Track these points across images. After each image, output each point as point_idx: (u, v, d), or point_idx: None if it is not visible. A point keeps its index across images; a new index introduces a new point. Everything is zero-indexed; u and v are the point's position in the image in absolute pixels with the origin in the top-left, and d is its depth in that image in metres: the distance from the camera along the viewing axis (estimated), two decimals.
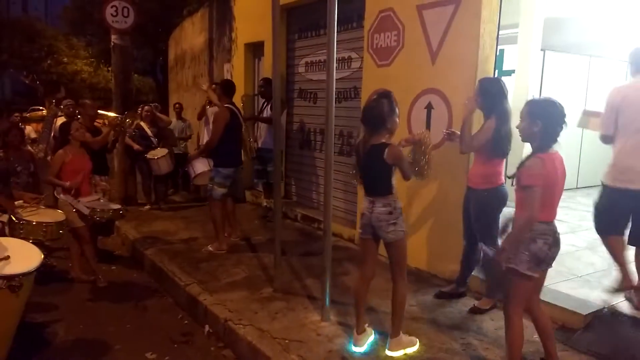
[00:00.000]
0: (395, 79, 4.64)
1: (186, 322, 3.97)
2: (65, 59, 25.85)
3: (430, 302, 3.86)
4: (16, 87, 40.90)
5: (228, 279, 4.38)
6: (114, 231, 6.47)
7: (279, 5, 3.74)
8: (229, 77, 7.96)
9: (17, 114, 7.62)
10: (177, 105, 8.82)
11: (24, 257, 2.48)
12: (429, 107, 4.30)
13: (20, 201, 3.62)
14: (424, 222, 4.47)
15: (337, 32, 3.20)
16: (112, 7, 7.36)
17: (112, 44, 7.60)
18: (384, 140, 2.87)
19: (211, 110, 7.13)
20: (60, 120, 6.22)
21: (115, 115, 6.27)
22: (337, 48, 3.25)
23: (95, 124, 5.81)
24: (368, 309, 3.43)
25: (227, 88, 5.20)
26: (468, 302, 3.80)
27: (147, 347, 3.50)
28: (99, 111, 6.27)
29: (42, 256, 2.53)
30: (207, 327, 3.74)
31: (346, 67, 5.74)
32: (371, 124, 2.90)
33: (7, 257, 2.33)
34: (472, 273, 3.89)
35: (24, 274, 2.37)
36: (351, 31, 5.59)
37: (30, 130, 7.83)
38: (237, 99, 5.93)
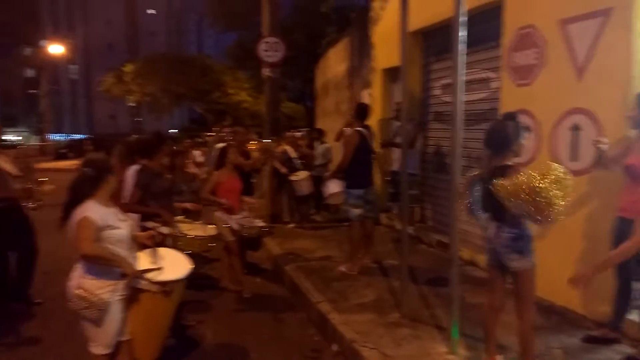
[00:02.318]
0: (536, 98, 4.33)
1: (316, 338, 4.15)
2: (231, 91, 29.11)
3: (576, 347, 3.46)
4: (192, 115, 47.46)
5: (357, 300, 4.48)
6: (261, 246, 7.06)
7: (407, 31, 3.80)
8: (366, 102, 8.21)
9: (188, 140, 8.90)
10: (317, 131, 9.37)
11: (177, 266, 2.90)
12: (576, 128, 3.91)
13: (180, 217, 4.22)
14: (569, 254, 4.04)
15: (472, 52, 3.15)
16: (264, 43, 8.17)
17: (264, 76, 8.41)
18: (509, 163, 2.73)
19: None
20: (219, 145, 7.06)
21: (265, 140, 6.93)
22: (472, 68, 3.19)
23: (246, 148, 6.49)
24: (500, 346, 3.21)
25: (359, 112, 5.39)
26: (621, 350, 3.32)
27: (279, 358, 3.75)
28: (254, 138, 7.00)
29: (191, 266, 2.92)
30: (334, 346, 3.86)
31: (483, 88, 5.52)
32: (495, 146, 2.78)
33: (160, 268, 2.74)
34: (628, 316, 3.40)
35: (175, 281, 2.77)
36: (488, 51, 5.37)
37: (198, 154, 9.00)
38: (374, 123, 6.09)
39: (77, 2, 55.41)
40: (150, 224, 3.91)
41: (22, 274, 4.58)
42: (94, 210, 2.55)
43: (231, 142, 6.36)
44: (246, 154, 6.18)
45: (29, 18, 53.12)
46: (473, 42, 3.13)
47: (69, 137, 43.04)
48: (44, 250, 4.82)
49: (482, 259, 5.27)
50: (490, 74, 5.42)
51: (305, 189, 7.62)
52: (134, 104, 34.07)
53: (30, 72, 53.17)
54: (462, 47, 3.11)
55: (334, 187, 5.40)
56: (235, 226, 4.89)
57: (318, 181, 8.36)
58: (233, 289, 5.17)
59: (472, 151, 5.16)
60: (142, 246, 2.97)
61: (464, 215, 3.08)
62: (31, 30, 50.06)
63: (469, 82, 3.34)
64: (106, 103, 46.43)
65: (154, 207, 3.89)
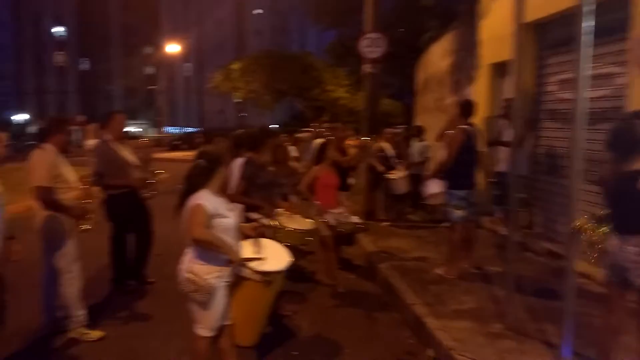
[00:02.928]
0: None
1: (411, 341, 4.04)
2: (329, 87, 29.51)
3: None
4: (292, 111, 48.96)
5: (455, 306, 4.29)
6: (355, 242, 7.06)
7: (523, 22, 3.53)
8: (470, 99, 7.84)
9: (284, 135, 9.16)
10: (417, 127, 9.09)
11: (277, 257, 2.98)
12: None
13: (281, 209, 4.34)
14: None
15: (594, 45, 2.84)
16: (366, 39, 8.12)
17: (364, 72, 8.37)
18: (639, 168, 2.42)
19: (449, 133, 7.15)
20: (319, 141, 7.18)
21: (362, 137, 6.90)
22: (594, 63, 2.88)
23: (344, 145, 6.51)
24: None
25: (464, 108, 5.13)
26: None
27: (373, 357, 3.72)
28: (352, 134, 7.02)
29: (291, 259, 2.99)
30: (430, 351, 3.73)
31: (606, 84, 4.98)
32: (622, 149, 2.48)
33: (263, 258, 2.84)
34: None
35: (275, 272, 2.85)
36: (613, 44, 4.83)
37: (292, 149, 9.23)
38: (479, 120, 5.78)
39: (193, 4, 59.57)
40: (253, 215, 4.08)
41: (138, 255, 5.02)
42: (206, 199, 2.71)
43: (330, 138, 6.42)
44: (344, 151, 6.20)
45: (151, 20, 58.20)
46: (595, 34, 2.81)
47: (182, 130, 46.53)
48: (158, 234, 5.23)
49: (597, 272, 4.80)
50: (615, 69, 4.88)
51: (401, 187, 7.49)
52: (239, 100, 35.81)
53: (150, 70, 58.32)
54: (587, 39, 2.81)
55: (434, 187, 5.22)
56: (331, 221, 4.94)
57: (415, 180, 8.20)
58: (328, 283, 5.23)
59: (592, 153, 4.69)
60: (245, 236, 3.09)
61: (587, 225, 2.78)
62: (152, 31, 54.77)
63: (590, 78, 3.01)
64: (215, 99, 49.52)
65: (257, 199, 4.04)
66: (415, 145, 8.73)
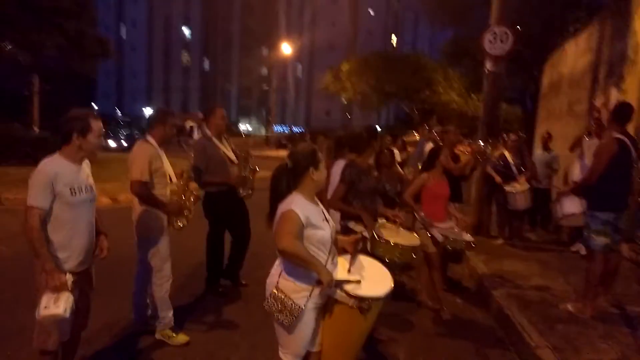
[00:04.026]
0: None
1: None
2: (440, 89, 28.23)
3: None
4: (398, 114, 48.02)
5: (592, 355, 3.48)
6: (464, 260, 6.33)
7: None
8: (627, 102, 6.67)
9: (389, 137, 8.57)
10: (546, 134, 7.99)
11: (378, 280, 2.50)
12: None
13: (383, 220, 3.84)
14: None
15: None
16: (491, 33, 7.29)
17: (486, 71, 7.54)
18: None
19: (588, 143, 6.11)
20: (429, 146, 6.55)
21: (479, 143, 6.11)
22: None
23: (456, 151, 5.82)
24: None
25: (620, 113, 4.17)
26: None
27: None
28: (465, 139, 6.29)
29: (392, 285, 2.49)
30: None
31: None
32: None
33: (359, 281, 2.37)
34: None
35: (374, 298, 2.37)
36: None
37: (397, 153, 8.61)
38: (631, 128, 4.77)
39: (308, 6, 61.05)
40: (351, 224, 3.64)
41: (234, 255, 4.84)
42: (300, 205, 2.33)
43: (441, 143, 5.78)
44: (456, 157, 5.53)
45: (269, 22, 60.79)
46: None
47: (289, 129, 47.91)
48: (255, 233, 5.02)
49: None
50: None
51: (521, 203, 6.56)
52: (346, 101, 35.86)
53: (265, 70, 60.96)
54: None
55: (572, 206, 4.37)
56: (438, 237, 4.33)
57: (538, 194, 7.21)
58: (430, 307, 4.63)
59: None
60: (343, 250, 2.66)
61: None
62: (269, 33, 57.12)
63: None
64: (323, 99, 50.22)
65: (357, 207, 3.60)
66: (541, 155, 7.70)
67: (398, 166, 6.76)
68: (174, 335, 3.56)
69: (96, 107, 58.15)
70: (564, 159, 7.56)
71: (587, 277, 4.26)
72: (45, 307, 2.32)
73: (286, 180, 2.41)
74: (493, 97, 7.56)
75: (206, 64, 61.76)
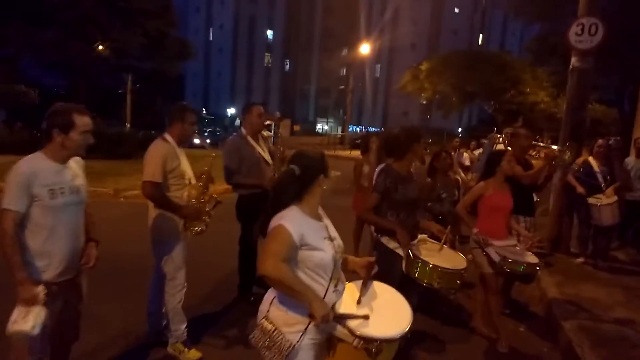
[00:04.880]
0: None
1: None
2: (527, 90, 26.33)
3: None
4: (481, 115, 45.65)
5: None
6: (534, 279, 5.59)
7: None
8: None
9: (457, 140, 7.88)
10: (639, 140, 6.92)
11: (392, 315, 2.07)
12: None
13: (424, 236, 3.35)
14: None
15: None
16: (578, 25, 6.42)
17: (571, 67, 6.66)
18: None
19: None
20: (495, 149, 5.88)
21: (553, 147, 5.30)
22: None
23: (528, 157, 5.11)
24: None
25: None
26: None
27: None
28: (537, 142, 5.52)
29: (410, 322, 2.03)
30: None
31: None
32: None
33: (367, 317, 1.95)
34: None
35: (385, 340, 1.93)
36: None
37: (466, 157, 7.92)
38: None
39: (390, 6, 60.09)
40: (384, 240, 3.21)
41: None
42: (293, 220, 1.97)
43: (509, 147, 5.11)
44: (527, 164, 4.83)
45: (350, 23, 60.71)
46: None
47: (364, 130, 47.44)
48: None
49: None
50: None
51: (607, 218, 5.68)
52: (425, 102, 34.77)
53: (344, 71, 60.97)
54: None
55: None
56: (494, 257, 3.75)
57: (631, 208, 6.27)
58: (485, 334, 4.06)
59: None
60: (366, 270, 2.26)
61: None
62: (350, 34, 57.02)
63: None
64: (401, 100, 49.11)
65: (389, 221, 3.15)
66: (634, 162, 6.67)
67: (460, 171, 6.15)
68: (186, 350, 3.32)
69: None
70: None
71: None
72: (15, 321, 2.15)
73: (293, 190, 2.05)
74: (578, 96, 6.64)
75: (287, 65, 62.94)
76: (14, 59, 18.45)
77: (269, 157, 4.32)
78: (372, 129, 48.59)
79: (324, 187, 2.12)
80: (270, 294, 2.07)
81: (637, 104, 10.97)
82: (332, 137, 41.37)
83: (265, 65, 61.96)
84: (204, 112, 57.39)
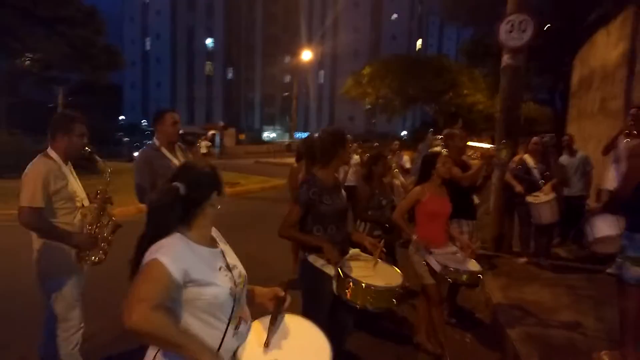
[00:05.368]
0: None
1: None
2: (465, 91, 27.07)
3: None
4: (424, 117, 46.72)
5: None
6: (479, 283, 5.40)
7: None
8: None
9: (397, 142, 7.70)
10: (567, 137, 6.94)
11: (311, 356, 1.68)
12: None
13: (356, 250, 3.00)
14: None
15: None
16: (508, 22, 6.38)
17: (503, 65, 6.61)
18: None
19: (626, 146, 5.13)
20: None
21: (489, 146, 5.13)
22: None
23: (465, 157, 4.92)
24: None
25: None
26: None
27: None
28: (472, 143, 5.35)
29: None
30: None
31: None
32: None
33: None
34: None
35: None
36: None
37: (406, 159, 7.72)
38: None
39: (330, 13, 60.60)
40: (311, 258, 2.82)
41: None
42: (174, 252, 1.53)
43: (446, 148, 4.88)
44: (464, 165, 4.63)
45: (291, 30, 60.72)
46: None
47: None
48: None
49: None
50: None
51: (546, 215, 5.60)
52: (369, 106, 35.07)
53: (287, 78, 60.82)
54: None
55: (605, 227, 3.46)
56: (435, 266, 3.46)
57: (570, 203, 6.28)
58: (430, 350, 3.76)
59: None
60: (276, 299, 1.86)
61: None
62: (292, 41, 57.02)
63: None
64: (346, 105, 49.45)
65: (314, 236, 2.78)
66: (566, 160, 6.69)
67: (400, 175, 5.90)
68: None
69: (123, 118, 59.14)
70: (597, 163, 6.56)
71: (621, 319, 3.31)
72: None
73: (176, 213, 1.62)
74: (512, 94, 6.59)
75: (230, 73, 61.95)
76: None
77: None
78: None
79: (219, 208, 1.71)
80: (152, 349, 1.62)
81: (568, 101, 11.31)
82: (279, 145, 40.91)
83: (206, 74, 60.64)
84: (144, 123, 55.38)
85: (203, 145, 18.78)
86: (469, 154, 5.72)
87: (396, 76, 28.20)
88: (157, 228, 1.60)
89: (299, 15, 60.10)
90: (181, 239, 1.60)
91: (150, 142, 3.83)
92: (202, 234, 1.67)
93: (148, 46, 63.32)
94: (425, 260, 3.60)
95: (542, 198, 5.62)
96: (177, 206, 1.62)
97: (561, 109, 14.73)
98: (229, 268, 1.68)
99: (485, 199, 6.93)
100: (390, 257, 4.35)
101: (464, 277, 3.39)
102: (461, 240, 3.86)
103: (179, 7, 59.37)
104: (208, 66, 60.60)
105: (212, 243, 1.72)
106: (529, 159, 6.07)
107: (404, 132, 49.78)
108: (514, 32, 6.35)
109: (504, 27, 6.41)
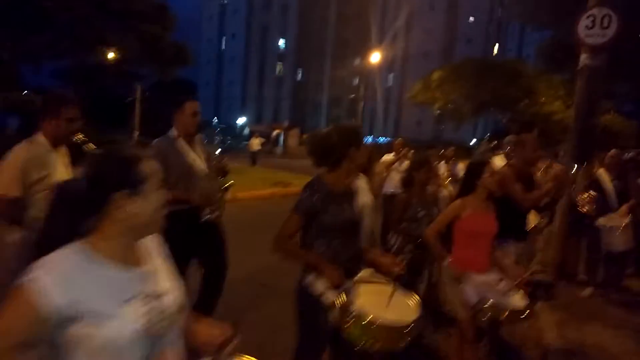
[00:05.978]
0: None
1: None
2: (542, 99, 25.28)
3: None
4: (498, 125, 44.39)
5: None
6: (532, 313, 4.70)
7: None
8: None
9: (452, 148, 7.05)
10: None
11: None
12: None
13: (368, 272, 2.53)
14: None
15: None
16: (588, 17, 5.59)
17: (580, 65, 5.81)
18: None
19: None
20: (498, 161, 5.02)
21: (558, 163, 4.35)
22: None
23: (534, 171, 4.26)
24: None
25: None
26: None
27: None
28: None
29: None
30: None
31: None
32: None
33: None
34: None
35: None
36: None
37: (461, 168, 7.03)
38: None
39: (403, 14, 59.46)
40: (309, 279, 2.39)
41: (206, 294, 3.74)
42: (59, 272, 1.15)
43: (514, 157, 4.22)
44: (531, 180, 3.95)
45: (363, 32, 60.28)
46: None
47: (375, 140, 46.61)
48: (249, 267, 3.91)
49: None
50: None
51: (619, 242, 4.79)
52: (438, 112, 33.93)
53: (356, 80, 60.45)
54: None
55: None
56: (472, 297, 2.92)
57: None
58: None
59: None
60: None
61: None
62: (363, 43, 56.56)
63: None
64: (414, 110, 48.21)
65: (312, 253, 2.35)
66: None
67: (450, 186, 5.31)
68: None
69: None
70: None
71: None
72: None
73: (72, 215, 1.26)
74: (589, 99, 5.77)
75: (299, 74, 62.61)
76: (9, 65, 18.12)
77: (205, 166, 3.55)
78: (382, 139, 47.65)
79: (144, 213, 1.30)
80: None
81: None
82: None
83: (276, 74, 61.66)
84: (216, 120, 57.23)
85: (255, 143, 18.70)
86: (541, 169, 5.01)
87: (467, 81, 27.00)
88: (46, 236, 1.24)
89: (371, 16, 59.48)
90: (77, 254, 1.20)
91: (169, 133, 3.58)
92: (112, 248, 1.26)
93: (224, 45, 65.45)
94: (460, 289, 3.07)
95: (616, 221, 4.81)
96: (72, 206, 1.23)
97: None
98: (148, 298, 1.28)
99: (550, 217, 6.15)
100: (417, 278, 3.82)
101: (503, 314, 2.81)
102: (507, 268, 3.26)
103: (255, 6, 60.85)
104: (279, 67, 61.60)
105: (132, 260, 1.32)
106: (603, 175, 5.25)
107: (474, 140, 47.68)
108: (595, 28, 5.55)
109: (583, 22, 5.63)
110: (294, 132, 39.84)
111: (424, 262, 4.05)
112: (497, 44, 64.17)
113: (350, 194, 2.48)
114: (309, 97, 63.31)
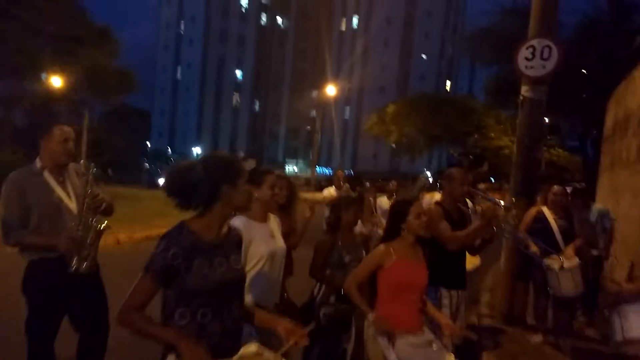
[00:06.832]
0: None
1: None
2: (492, 134, 25.87)
3: None
4: (450, 159, 45.39)
5: None
6: None
7: None
8: None
9: (394, 182, 6.68)
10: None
11: None
12: None
13: (253, 347, 1.95)
14: None
15: None
16: (528, 48, 5.38)
17: (521, 97, 5.58)
18: None
19: None
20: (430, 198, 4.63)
21: (497, 200, 3.91)
22: None
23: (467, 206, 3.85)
24: None
25: None
26: None
27: None
28: (476, 190, 4.27)
29: None
30: None
31: None
32: None
33: None
34: None
35: None
36: None
37: (385, 202, 6.61)
38: None
39: (358, 49, 60.79)
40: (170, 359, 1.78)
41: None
42: None
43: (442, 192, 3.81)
44: (462, 216, 3.54)
45: (319, 65, 61.15)
46: None
47: (332, 172, 46.63)
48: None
49: None
50: None
51: (567, 286, 4.41)
52: (393, 145, 34.30)
53: (313, 113, 60.91)
54: None
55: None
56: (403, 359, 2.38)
57: (597, 266, 5.08)
58: None
59: None
60: None
61: None
62: (319, 76, 57.27)
63: None
64: (370, 142, 48.76)
65: (164, 329, 1.75)
66: (598, 212, 5.52)
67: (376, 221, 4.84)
68: None
69: (149, 145, 59.92)
70: (629, 223, 5.36)
71: None
72: None
73: None
74: (531, 132, 5.51)
75: (256, 105, 62.39)
76: None
77: (74, 203, 2.88)
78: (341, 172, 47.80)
79: None
80: None
81: (601, 147, 10.10)
82: (299, 179, 40.21)
83: (233, 105, 61.23)
84: (170, 150, 55.93)
85: None
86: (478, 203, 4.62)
87: (420, 115, 27.50)
88: None
89: (328, 51, 60.49)
90: None
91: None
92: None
93: (179, 75, 64.65)
94: (384, 353, 2.53)
95: (566, 262, 4.44)
96: None
97: (593, 157, 13.43)
98: None
99: (491, 257, 5.77)
100: (343, 335, 3.24)
101: None
102: (440, 320, 2.76)
103: (212, 37, 60.70)
104: (235, 97, 61.23)
105: None
106: (547, 213, 4.92)
107: (427, 173, 48.48)
108: (535, 59, 5.34)
109: (522, 53, 5.41)
110: (250, 164, 39.16)
111: (351, 315, 3.48)
112: (448, 81, 66.48)
113: (227, 246, 1.90)
114: (267, 128, 63.10)
